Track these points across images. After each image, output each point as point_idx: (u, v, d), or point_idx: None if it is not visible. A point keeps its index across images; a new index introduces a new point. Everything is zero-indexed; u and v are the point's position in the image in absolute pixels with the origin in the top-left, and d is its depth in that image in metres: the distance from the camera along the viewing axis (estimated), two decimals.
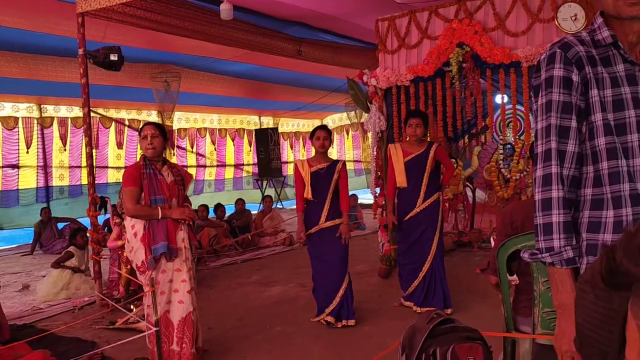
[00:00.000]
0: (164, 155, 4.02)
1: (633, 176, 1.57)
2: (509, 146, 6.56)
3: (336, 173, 4.78)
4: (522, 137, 6.59)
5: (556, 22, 5.41)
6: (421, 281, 4.92)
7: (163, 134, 3.95)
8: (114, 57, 5.88)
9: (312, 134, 4.90)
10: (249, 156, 15.34)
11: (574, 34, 1.67)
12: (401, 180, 4.90)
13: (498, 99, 6.56)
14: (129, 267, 5.66)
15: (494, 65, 5.87)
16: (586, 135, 1.61)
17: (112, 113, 11.66)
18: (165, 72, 9.04)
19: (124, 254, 5.71)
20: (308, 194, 4.70)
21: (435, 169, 4.96)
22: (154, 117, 11.85)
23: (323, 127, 4.97)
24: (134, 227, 3.84)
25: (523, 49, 5.64)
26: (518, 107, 6.22)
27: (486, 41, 5.87)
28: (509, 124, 6.79)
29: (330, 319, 4.70)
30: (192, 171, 13.56)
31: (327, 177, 4.74)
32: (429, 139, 7.12)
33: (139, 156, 11.43)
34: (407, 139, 5.15)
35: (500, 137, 6.76)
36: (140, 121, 11.89)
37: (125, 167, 10.22)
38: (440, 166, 5.08)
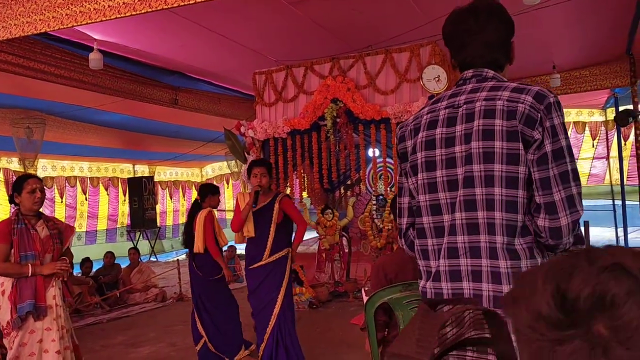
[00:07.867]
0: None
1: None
2: (380, 197, 6.82)
3: None
4: (392, 189, 6.87)
5: (421, 82, 5.80)
6: (266, 346, 4.42)
7: None
8: None
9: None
10: (124, 206, 14.58)
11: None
12: (249, 229, 4.51)
13: (370, 152, 6.83)
14: None
15: (365, 121, 6.14)
16: None
17: None
18: (28, 118, 8.40)
19: None
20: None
21: (285, 222, 4.56)
22: (15, 164, 10.97)
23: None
24: (2, 285, 3.60)
25: (392, 107, 5.95)
26: (388, 160, 6.51)
27: (358, 98, 6.13)
28: (380, 176, 7.08)
29: None
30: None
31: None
32: (305, 190, 7.29)
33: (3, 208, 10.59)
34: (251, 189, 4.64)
35: (373, 189, 7.01)
36: None
37: None
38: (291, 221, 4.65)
